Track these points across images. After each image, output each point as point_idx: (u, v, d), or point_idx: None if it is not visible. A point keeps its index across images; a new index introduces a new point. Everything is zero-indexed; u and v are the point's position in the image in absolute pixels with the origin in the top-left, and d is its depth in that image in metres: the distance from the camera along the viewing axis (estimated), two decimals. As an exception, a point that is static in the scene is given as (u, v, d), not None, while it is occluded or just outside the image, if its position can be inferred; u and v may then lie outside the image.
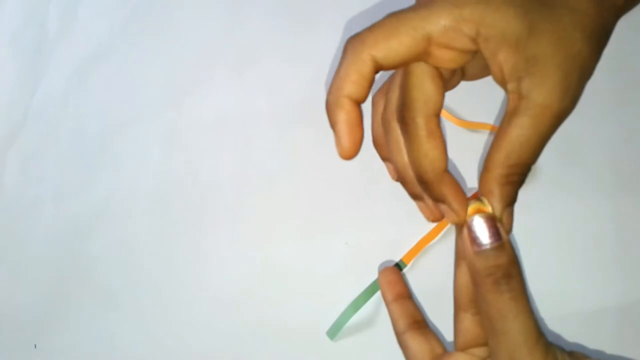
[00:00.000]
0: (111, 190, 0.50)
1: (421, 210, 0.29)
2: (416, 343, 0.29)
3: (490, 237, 0.25)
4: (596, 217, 0.38)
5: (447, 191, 0.26)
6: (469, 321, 0.27)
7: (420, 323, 0.30)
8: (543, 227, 0.38)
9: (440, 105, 0.26)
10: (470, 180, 0.42)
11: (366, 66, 0.25)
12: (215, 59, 0.53)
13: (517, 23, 0.24)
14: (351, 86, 0.26)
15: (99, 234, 0.49)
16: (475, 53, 0.26)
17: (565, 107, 0.24)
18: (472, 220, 0.25)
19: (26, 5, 0.61)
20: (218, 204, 0.47)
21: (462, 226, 0.26)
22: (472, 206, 0.26)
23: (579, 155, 0.40)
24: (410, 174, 0.28)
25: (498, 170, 0.25)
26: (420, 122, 0.26)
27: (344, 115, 0.27)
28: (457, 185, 0.26)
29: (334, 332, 0.39)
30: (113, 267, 0.47)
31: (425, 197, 0.28)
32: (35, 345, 0.46)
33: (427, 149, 0.26)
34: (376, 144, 0.31)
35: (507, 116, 0.24)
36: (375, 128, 0.31)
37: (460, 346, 0.28)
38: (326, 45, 0.50)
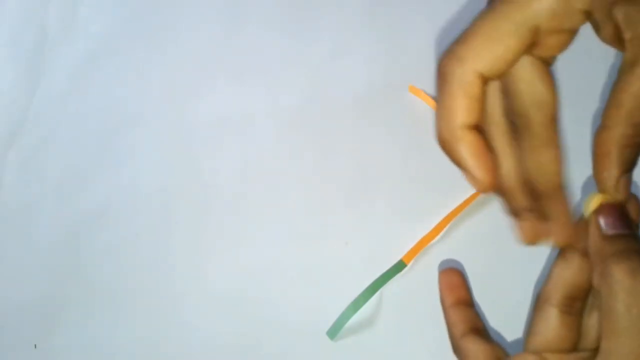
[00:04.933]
0: (111, 190, 0.50)
1: (517, 229, 0.26)
2: (476, 346, 0.26)
3: (622, 225, 0.22)
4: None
5: (559, 208, 0.23)
6: (553, 319, 0.24)
7: (480, 330, 0.27)
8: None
9: (555, 107, 0.23)
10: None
11: (475, 86, 0.22)
12: (215, 60, 0.53)
13: None
14: (464, 114, 0.22)
15: (99, 234, 0.48)
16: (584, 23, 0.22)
17: None
18: (599, 208, 0.22)
19: (26, 5, 0.61)
20: (218, 204, 0.47)
21: (565, 249, 0.23)
22: (593, 199, 0.23)
23: (579, 155, 0.40)
24: (512, 185, 0.25)
25: (619, 130, 0.21)
26: (537, 129, 0.23)
27: (467, 149, 0.23)
28: (568, 204, 0.24)
29: (334, 332, 0.39)
30: (113, 267, 0.47)
31: (527, 215, 0.25)
32: (35, 345, 0.46)
33: (545, 160, 0.23)
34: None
35: (627, 66, 0.21)
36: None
37: (533, 346, 0.25)
38: (326, 49, 0.50)
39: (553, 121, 0.23)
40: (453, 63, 0.22)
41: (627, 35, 0.21)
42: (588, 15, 0.22)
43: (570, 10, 0.21)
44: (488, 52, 0.22)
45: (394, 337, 0.39)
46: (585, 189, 0.37)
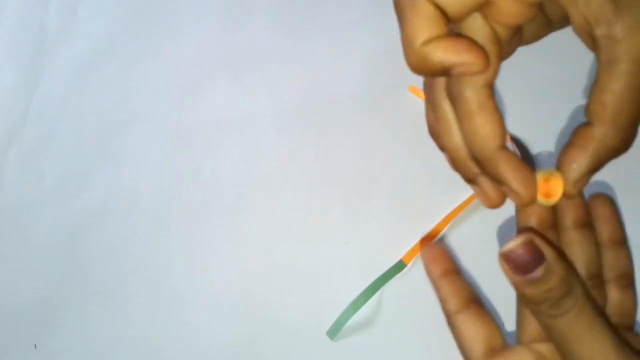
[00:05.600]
0: (111, 190, 0.50)
1: (478, 196, 0.26)
2: (472, 327, 0.25)
3: (534, 264, 0.22)
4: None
5: (505, 169, 0.23)
6: None
7: (475, 302, 0.26)
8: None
9: (494, 74, 0.23)
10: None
11: (426, 7, 0.22)
12: (215, 59, 0.53)
13: None
14: (423, 32, 0.22)
15: (99, 234, 0.49)
16: (541, 6, 0.22)
17: None
18: (506, 251, 0.22)
19: (26, 5, 0.61)
20: (218, 204, 0.47)
21: (526, 205, 0.23)
22: (541, 175, 0.23)
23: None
24: (461, 155, 0.25)
25: (602, 128, 0.21)
26: (470, 94, 0.23)
27: (438, 54, 0.22)
28: (516, 161, 0.23)
29: (334, 332, 0.39)
30: (113, 267, 0.47)
31: (481, 181, 0.25)
32: (35, 345, 0.46)
33: (479, 124, 0.23)
34: (431, 132, 0.27)
35: (604, 66, 0.21)
36: (429, 115, 0.27)
37: (525, 338, 0.25)
38: (325, 48, 0.50)
39: (488, 87, 0.23)
40: None
41: (598, 32, 0.21)
42: None
43: None
44: None
45: (394, 337, 0.39)
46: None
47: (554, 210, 0.26)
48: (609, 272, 0.27)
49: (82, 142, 0.53)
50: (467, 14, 0.22)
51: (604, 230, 0.27)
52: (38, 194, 0.52)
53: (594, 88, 0.21)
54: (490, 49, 0.23)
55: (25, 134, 0.55)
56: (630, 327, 0.27)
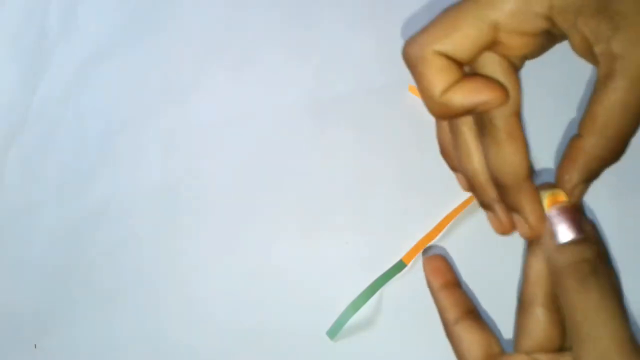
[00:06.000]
0: (111, 191, 0.50)
1: (490, 221, 0.26)
2: (471, 336, 0.26)
3: (575, 231, 0.23)
4: (598, 217, 0.38)
5: (525, 201, 0.24)
6: (541, 319, 0.24)
7: (473, 314, 0.26)
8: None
9: (519, 102, 0.24)
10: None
11: (436, 59, 0.23)
12: (215, 59, 0.53)
13: None
14: (439, 83, 0.23)
15: (99, 234, 0.49)
16: (548, 32, 0.23)
17: None
18: (552, 213, 0.23)
19: (26, 5, 0.61)
20: (218, 204, 0.47)
21: (533, 245, 0.24)
22: (548, 196, 0.23)
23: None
24: (481, 180, 0.26)
25: (591, 140, 0.22)
26: (499, 123, 0.23)
27: (460, 96, 0.23)
28: (537, 196, 0.24)
29: (334, 332, 0.39)
30: (113, 267, 0.47)
31: (497, 207, 0.26)
32: (35, 345, 0.46)
33: (508, 152, 0.23)
34: (444, 152, 0.28)
35: (601, 80, 0.22)
36: (442, 136, 0.28)
37: (524, 347, 0.25)
38: (326, 48, 0.50)
39: (515, 115, 0.24)
40: (413, 47, 0.24)
41: (597, 49, 0.22)
42: (550, 22, 0.22)
43: (529, 13, 0.22)
44: (446, 37, 0.23)
45: (394, 337, 0.39)
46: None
47: None
48: None
49: (82, 142, 0.53)
50: (477, 55, 0.23)
51: None
52: (38, 194, 0.52)
53: (589, 102, 0.22)
54: (508, 80, 0.24)
55: (25, 134, 0.55)
56: None
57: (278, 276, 0.43)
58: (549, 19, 0.22)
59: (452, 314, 0.26)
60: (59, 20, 0.59)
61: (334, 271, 0.42)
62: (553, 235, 0.23)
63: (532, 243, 0.25)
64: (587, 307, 0.21)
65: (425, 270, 0.28)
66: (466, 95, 0.23)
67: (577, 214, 0.23)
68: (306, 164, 0.46)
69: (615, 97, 0.21)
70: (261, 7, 0.54)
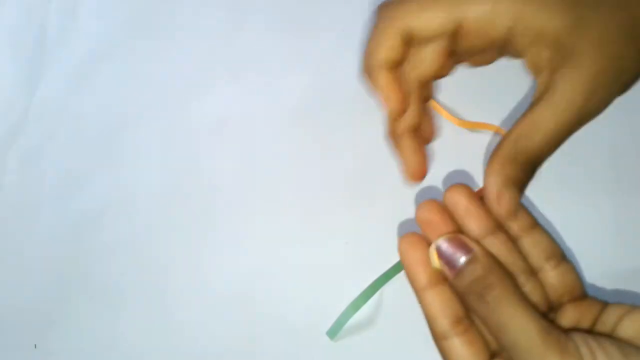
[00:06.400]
0: (111, 190, 0.50)
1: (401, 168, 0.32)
2: (464, 350, 0.25)
3: (460, 254, 0.24)
4: (598, 216, 0.38)
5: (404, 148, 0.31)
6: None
7: (463, 319, 0.26)
8: (544, 225, 0.38)
9: (415, 120, 0.30)
10: (473, 185, 0.42)
11: (396, 38, 0.26)
12: (215, 60, 0.53)
13: (558, 20, 0.23)
14: (385, 52, 0.27)
15: (99, 234, 0.49)
16: (503, 45, 0.25)
17: (590, 106, 0.23)
18: (436, 247, 0.25)
19: (26, 5, 0.61)
20: (218, 204, 0.47)
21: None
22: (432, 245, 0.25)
23: (580, 154, 0.40)
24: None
25: (505, 148, 0.24)
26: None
27: (383, 79, 0.28)
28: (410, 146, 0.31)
29: (334, 332, 0.39)
30: (113, 267, 0.47)
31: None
32: (35, 345, 0.46)
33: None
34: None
35: (531, 104, 0.24)
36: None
37: None
38: (326, 48, 0.50)
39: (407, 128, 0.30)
40: (386, 11, 0.27)
41: (541, 76, 0.24)
42: (508, 38, 0.25)
43: (493, 24, 0.24)
44: (419, 12, 0.26)
45: (394, 337, 0.39)
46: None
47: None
48: (536, 259, 0.27)
49: (82, 142, 0.53)
50: (433, 39, 0.26)
51: (512, 225, 0.27)
52: (38, 194, 0.52)
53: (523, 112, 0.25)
54: (416, 106, 0.30)
55: (25, 134, 0.55)
56: (583, 296, 0.26)
57: (278, 276, 0.43)
58: (509, 35, 0.24)
59: (443, 325, 0.26)
60: (59, 20, 0.59)
61: (334, 271, 0.42)
62: (448, 266, 0.24)
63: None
64: (494, 317, 0.22)
65: (403, 260, 0.28)
66: (382, 87, 0.28)
67: (459, 239, 0.24)
68: (306, 164, 0.46)
69: (534, 119, 0.23)
70: (261, 8, 0.54)
